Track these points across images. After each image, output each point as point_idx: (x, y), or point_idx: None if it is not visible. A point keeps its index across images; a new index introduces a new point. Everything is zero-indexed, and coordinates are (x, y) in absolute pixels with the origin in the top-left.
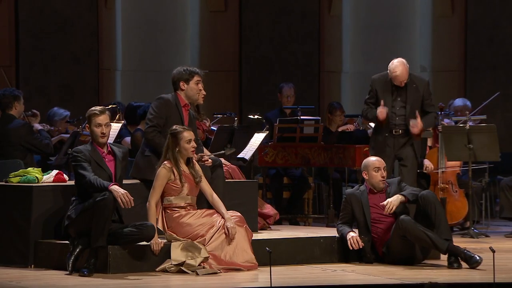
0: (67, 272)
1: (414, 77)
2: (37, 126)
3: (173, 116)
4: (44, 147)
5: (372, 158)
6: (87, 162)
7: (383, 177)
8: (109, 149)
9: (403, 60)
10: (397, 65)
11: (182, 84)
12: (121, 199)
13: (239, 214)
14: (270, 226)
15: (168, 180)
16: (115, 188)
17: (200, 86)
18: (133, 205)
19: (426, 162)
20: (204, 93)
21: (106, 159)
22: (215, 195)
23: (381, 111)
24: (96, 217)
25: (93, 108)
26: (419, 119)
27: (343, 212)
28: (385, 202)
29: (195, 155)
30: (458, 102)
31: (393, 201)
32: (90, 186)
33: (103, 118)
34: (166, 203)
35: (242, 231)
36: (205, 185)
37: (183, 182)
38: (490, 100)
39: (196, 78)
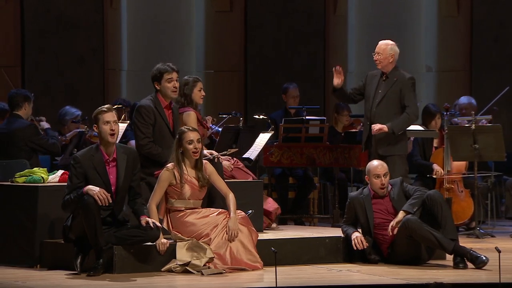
0: (73, 272)
1: (398, 72)
2: (44, 124)
3: (157, 121)
4: (51, 147)
5: (374, 163)
6: (82, 174)
7: (382, 184)
8: (115, 155)
9: (389, 42)
10: (380, 42)
11: (156, 85)
12: (98, 197)
13: (243, 214)
14: (274, 222)
15: (169, 183)
16: (89, 188)
17: (174, 83)
18: (110, 201)
19: (436, 167)
20: (203, 94)
21: (109, 166)
22: (231, 195)
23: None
24: (85, 221)
25: (99, 108)
26: (384, 126)
27: (347, 215)
28: (389, 227)
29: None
30: (463, 100)
31: (397, 220)
32: (68, 206)
33: (110, 115)
34: (169, 205)
35: (245, 231)
36: (222, 185)
37: (183, 184)
38: (500, 96)
39: (166, 76)
